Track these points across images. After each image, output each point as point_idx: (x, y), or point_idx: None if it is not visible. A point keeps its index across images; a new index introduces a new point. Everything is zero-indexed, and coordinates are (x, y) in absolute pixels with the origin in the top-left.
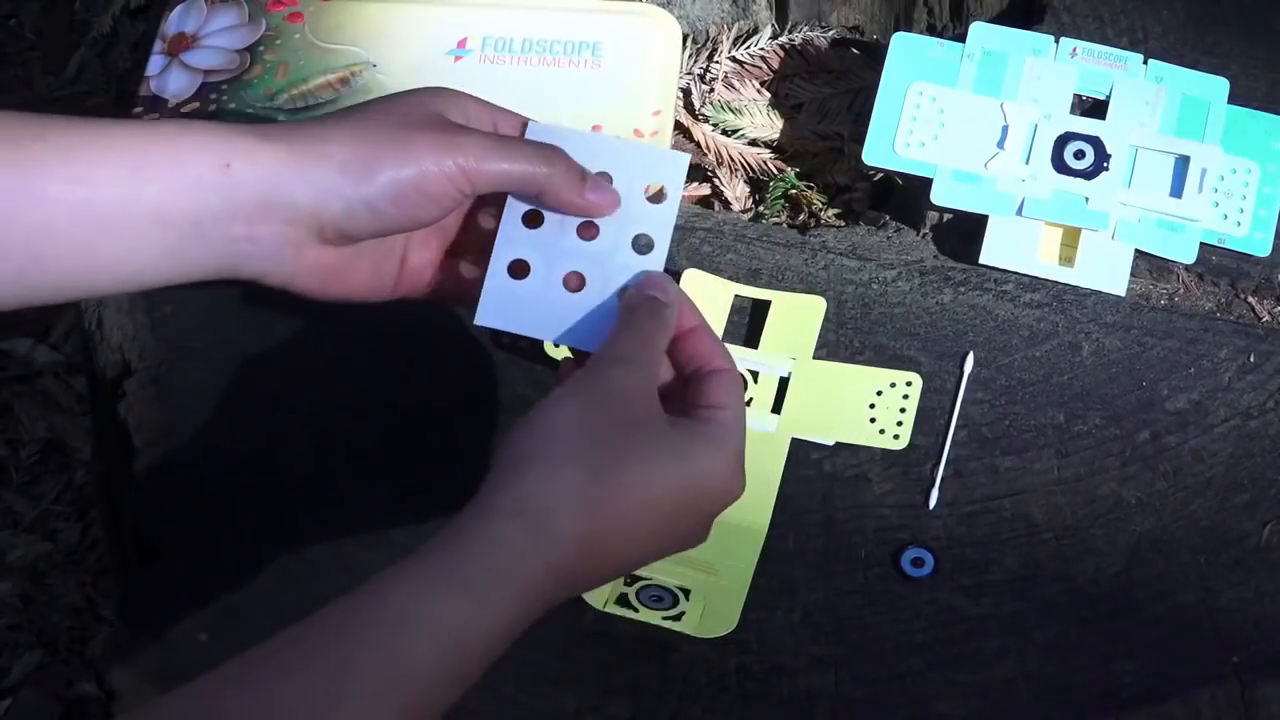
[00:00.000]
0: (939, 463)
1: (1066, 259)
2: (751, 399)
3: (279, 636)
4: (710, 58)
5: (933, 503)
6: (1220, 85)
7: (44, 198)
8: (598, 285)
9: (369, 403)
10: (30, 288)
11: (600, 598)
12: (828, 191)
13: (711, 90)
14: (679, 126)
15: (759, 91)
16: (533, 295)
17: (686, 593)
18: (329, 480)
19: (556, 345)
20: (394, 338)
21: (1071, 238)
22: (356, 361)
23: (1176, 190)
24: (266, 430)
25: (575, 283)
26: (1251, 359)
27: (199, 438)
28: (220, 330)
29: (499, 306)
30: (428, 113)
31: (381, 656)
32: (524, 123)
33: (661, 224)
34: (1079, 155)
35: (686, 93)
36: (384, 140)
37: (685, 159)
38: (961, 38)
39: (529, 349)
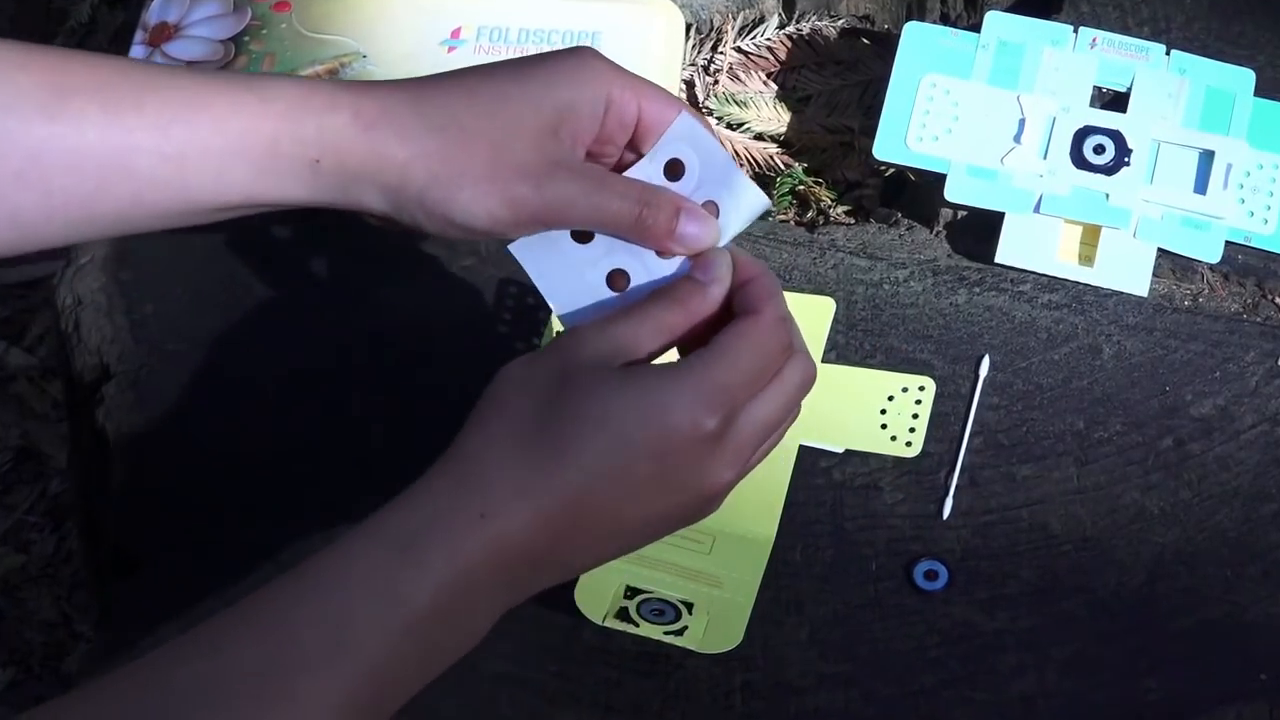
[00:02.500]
0: (953, 471)
1: (1086, 258)
2: None
3: (231, 608)
4: (714, 48)
5: (946, 513)
6: (1246, 77)
7: (134, 173)
8: (635, 295)
9: (360, 408)
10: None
11: (599, 611)
12: (837, 188)
13: (716, 82)
14: None
15: (765, 83)
16: (575, 264)
17: (689, 606)
18: (316, 488)
19: (563, 323)
20: (388, 340)
21: (1091, 236)
22: (347, 365)
23: (1200, 186)
24: (251, 436)
25: (619, 282)
26: (1279, 363)
27: (180, 444)
28: (203, 331)
29: (540, 251)
30: (540, 120)
31: (322, 620)
32: (677, 110)
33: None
34: (1099, 150)
35: (690, 85)
36: (472, 159)
37: (768, 205)
38: (976, 27)
39: (527, 319)
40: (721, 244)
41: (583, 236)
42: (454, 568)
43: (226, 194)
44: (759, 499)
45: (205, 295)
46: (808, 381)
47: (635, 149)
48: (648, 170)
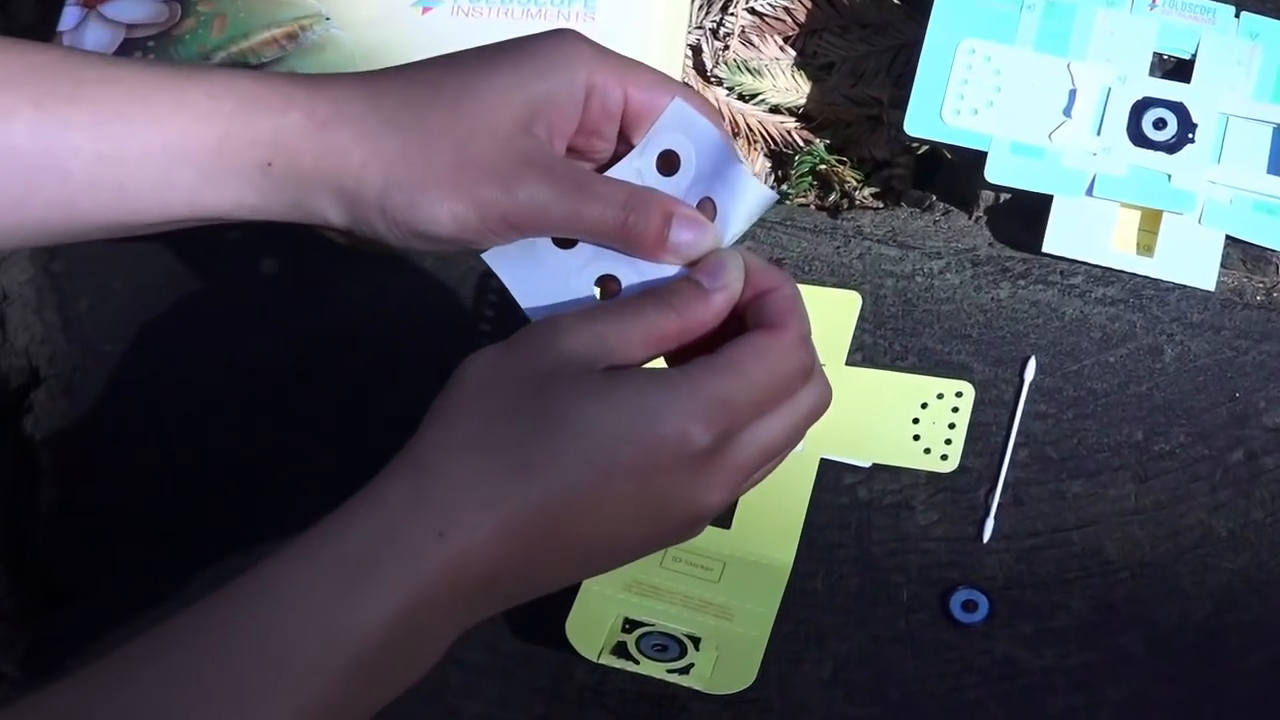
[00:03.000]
0: (995, 488)
1: (1145, 247)
2: None
3: (151, 632)
4: (724, 9)
5: (987, 535)
6: None
7: (68, 175)
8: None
9: (320, 418)
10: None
11: (593, 646)
12: (863, 167)
13: (726, 48)
14: None
15: (782, 49)
16: (557, 271)
17: (696, 641)
18: (272, 507)
19: None
20: (351, 342)
21: (1151, 222)
22: (305, 370)
23: (1275, 166)
24: (199, 449)
25: (610, 291)
26: None
27: (119, 458)
28: (144, 331)
29: (517, 257)
30: (511, 114)
31: (258, 650)
32: (670, 94)
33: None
34: (1159, 125)
35: (696, 51)
36: (435, 159)
37: (774, 199)
38: None
39: (512, 317)
40: (724, 246)
41: (566, 240)
42: (409, 592)
43: (168, 200)
44: (775, 520)
45: (147, 290)
46: (820, 409)
47: (628, 139)
48: (638, 165)
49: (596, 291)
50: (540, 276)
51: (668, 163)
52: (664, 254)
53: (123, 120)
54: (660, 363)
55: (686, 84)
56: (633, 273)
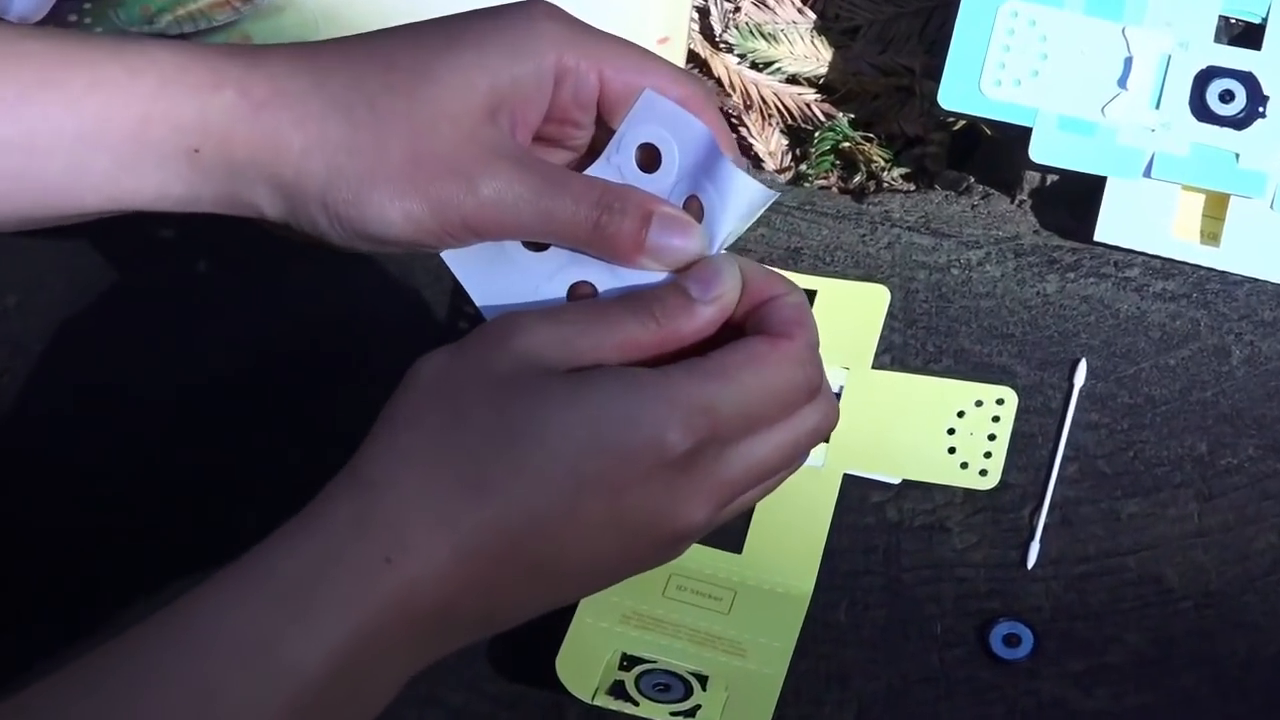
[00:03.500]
0: (1040, 507)
1: (1210, 235)
2: None
3: (66, 670)
4: None
5: (1032, 561)
6: None
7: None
8: None
9: (275, 433)
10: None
11: (587, 686)
12: (892, 145)
13: (737, 9)
14: (694, 58)
15: (800, 11)
16: (526, 276)
17: (704, 680)
18: (219, 537)
19: None
20: (311, 345)
21: (1217, 208)
22: (259, 377)
23: None
24: (137, 465)
25: (584, 297)
26: None
27: (47, 474)
28: (79, 330)
29: (481, 259)
30: (473, 101)
31: (184, 692)
32: (651, 76)
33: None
34: (1226, 97)
35: (704, 13)
36: (386, 149)
37: (773, 198)
38: None
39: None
40: (713, 251)
41: (538, 243)
42: (352, 626)
43: (82, 191)
44: (792, 544)
45: (83, 284)
46: (824, 432)
47: (608, 125)
48: (616, 162)
49: (568, 300)
50: (507, 283)
51: (648, 158)
52: (642, 258)
53: (31, 102)
54: None
55: (671, 64)
56: (611, 280)
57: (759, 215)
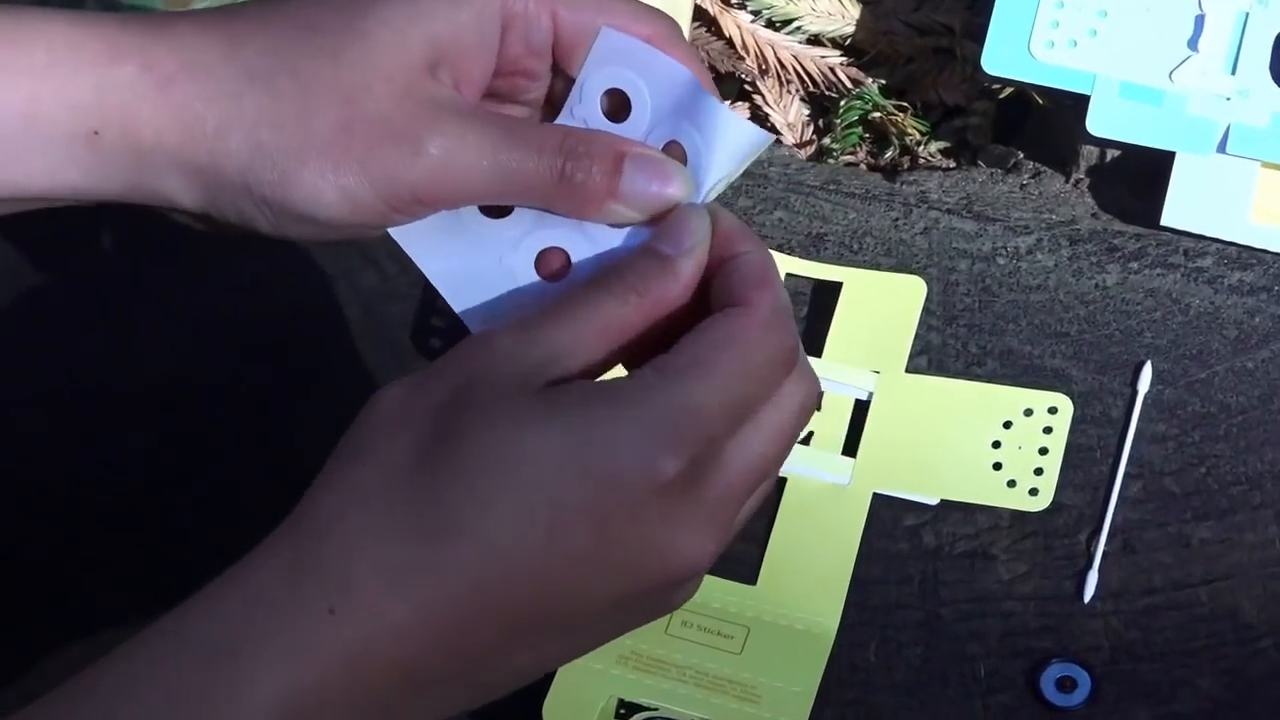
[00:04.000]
0: (1099, 532)
1: None
2: (812, 433)
3: None
4: None
5: (1089, 593)
6: None
7: None
8: (583, 277)
9: (217, 450)
10: None
11: None
12: (929, 115)
13: None
14: (701, 15)
15: None
16: (486, 246)
17: None
18: (154, 575)
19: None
20: (253, 349)
21: None
22: (196, 385)
23: None
24: (46, 492)
25: (555, 264)
26: None
27: None
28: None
29: (434, 231)
30: (409, 57)
31: None
32: (612, 15)
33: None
34: None
35: None
36: (313, 120)
37: (768, 140)
38: None
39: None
40: (699, 199)
41: (498, 207)
42: (289, 687)
43: None
44: (814, 573)
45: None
46: (810, 405)
47: (567, 72)
48: (580, 114)
49: (534, 270)
50: (466, 256)
51: (616, 105)
52: (619, 206)
53: None
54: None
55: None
56: (584, 241)
57: (751, 160)
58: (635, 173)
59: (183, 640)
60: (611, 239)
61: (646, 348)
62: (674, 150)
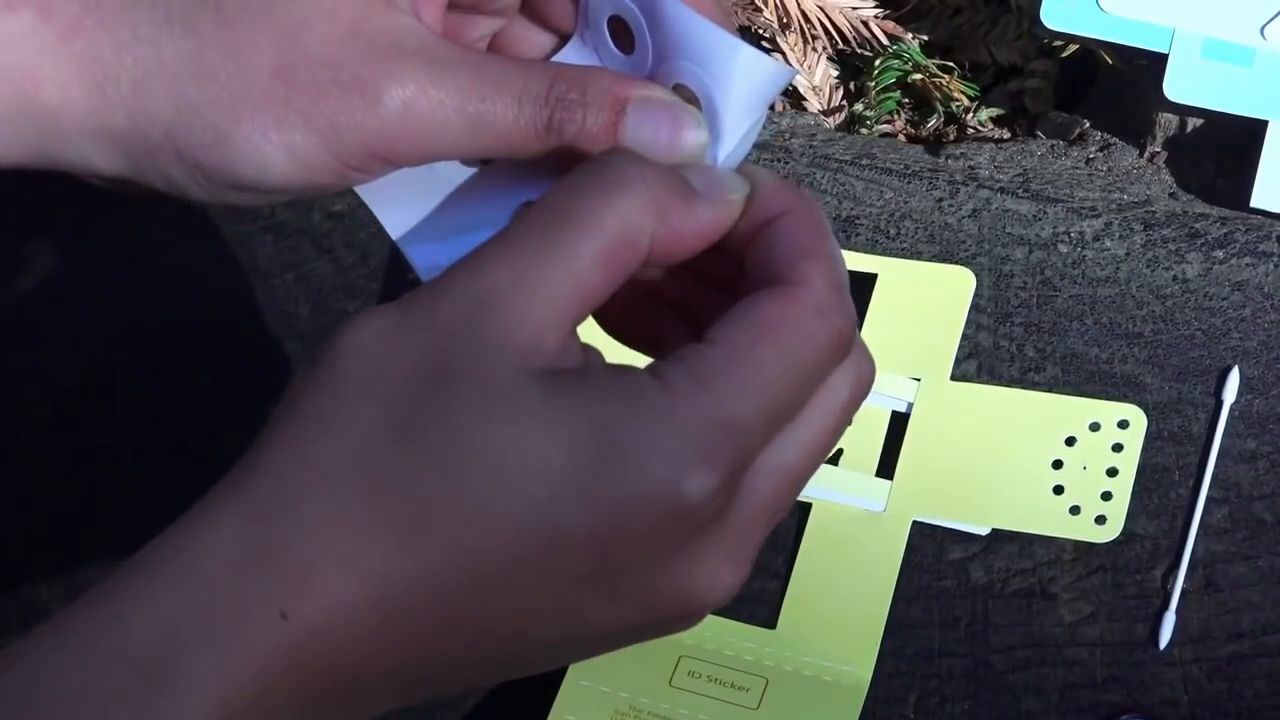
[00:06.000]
0: (1178, 567)
1: None
2: (841, 451)
3: None
4: None
5: (1165, 639)
6: None
7: None
8: None
9: (120, 442)
10: None
11: None
12: (979, 78)
13: None
14: None
15: None
16: (460, 201)
17: None
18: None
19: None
20: (196, 335)
21: None
22: (107, 380)
23: None
24: None
25: None
26: None
27: None
28: None
29: (400, 187)
30: None
31: None
32: None
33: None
34: None
35: None
36: (246, 66)
37: (791, 75)
38: None
39: None
40: (719, 154)
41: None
42: (228, 696)
43: None
44: (844, 615)
45: None
46: (862, 394)
47: None
48: (591, 41)
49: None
50: (438, 213)
51: (620, 36)
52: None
53: None
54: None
55: None
56: None
57: (769, 103)
58: (641, 121)
59: (122, 645)
60: None
61: (669, 305)
62: (681, 95)
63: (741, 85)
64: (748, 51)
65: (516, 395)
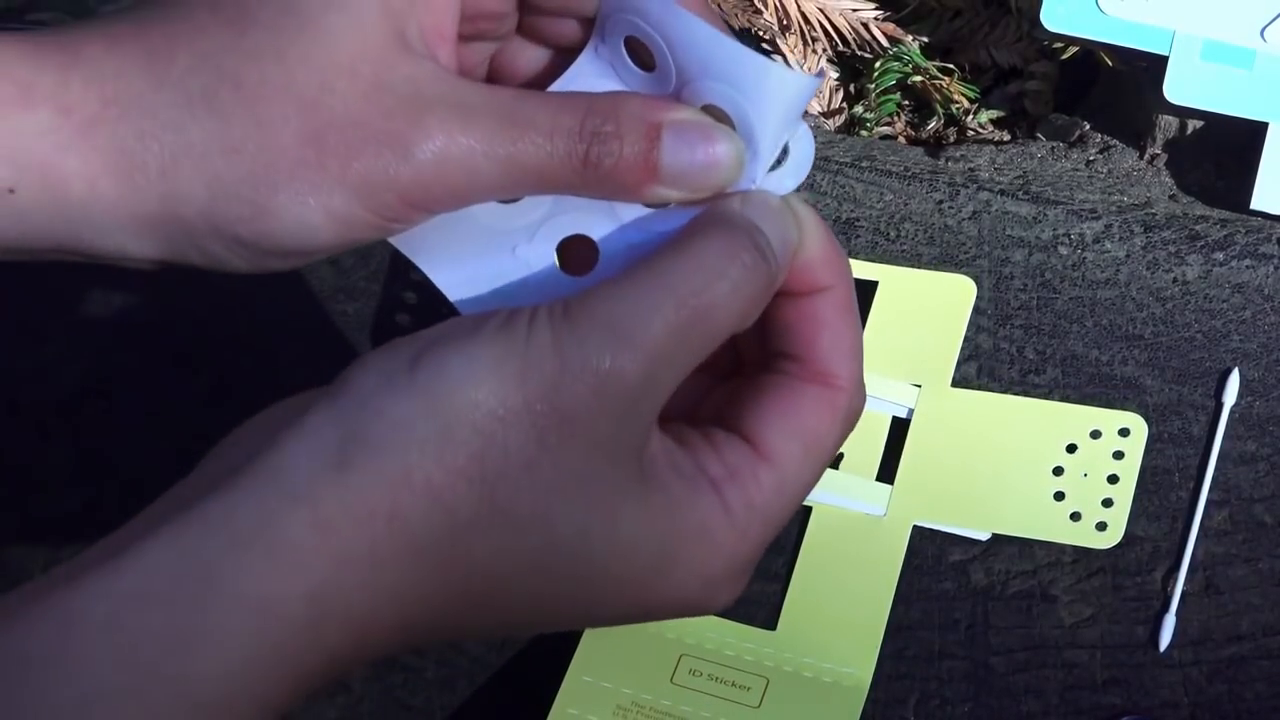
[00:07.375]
0: (1178, 569)
1: None
2: (842, 456)
3: None
4: None
5: (1165, 641)
6: None
7: None
8: (613, 268)
9: (119, 451)
10: None
11: None
12: (979, 80)
13: None
14: None
15: None
16: (495, 238)
17: None
18: None
19: None
20: (206, 345)
21: None
22: (134, 385)
23: None
24: None
25: (580, 254)
26: None
27: None
28: None
29: (437, 230)
30: (369, 30)
31: None
32: None
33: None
34: None
35: None
36: (273, 136)
37: (817, 83)
38: None
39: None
40: (755, 175)
41: None
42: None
43: None
44: (844, 617)
45: None
46: (854, 423)
47: (533, 3)
48: (607, 56)
49: (556, 263)
50: (475, 254)
51: (640, 52)
52: (659, 187)
53: None
54: None
55: None
56: (612, 225)
57: (798, 117)
58: (678, 144)
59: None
60: (645, 220)
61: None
62: (711, 115)
63: (775, 103)
64: (778, 69)
65: (624, 480)
